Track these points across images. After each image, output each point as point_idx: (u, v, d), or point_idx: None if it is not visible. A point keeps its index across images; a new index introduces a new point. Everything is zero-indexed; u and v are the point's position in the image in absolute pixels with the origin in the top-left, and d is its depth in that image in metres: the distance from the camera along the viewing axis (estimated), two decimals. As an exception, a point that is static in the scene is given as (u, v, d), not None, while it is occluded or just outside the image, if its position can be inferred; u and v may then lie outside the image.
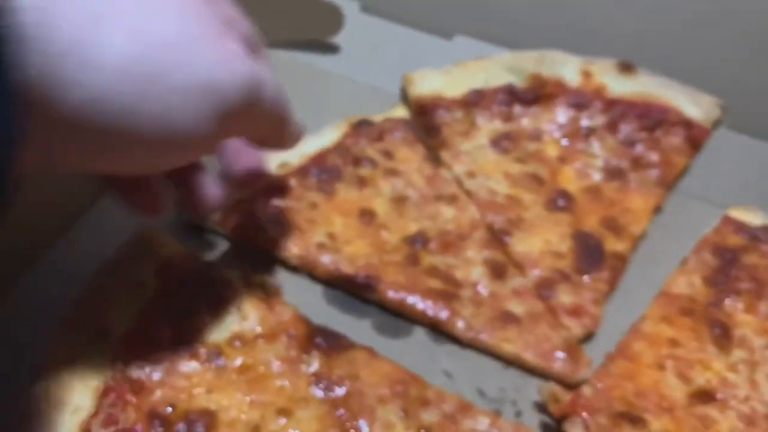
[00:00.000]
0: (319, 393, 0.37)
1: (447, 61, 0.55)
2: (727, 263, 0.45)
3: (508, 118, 0.52)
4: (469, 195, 0.48)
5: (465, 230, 0.46)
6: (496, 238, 0.46)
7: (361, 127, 0.51)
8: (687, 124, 0.52)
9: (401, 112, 0.53)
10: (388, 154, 0.50)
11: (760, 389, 0.39)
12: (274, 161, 0.48)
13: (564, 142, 0.51)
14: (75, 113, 0.24)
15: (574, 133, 0.52)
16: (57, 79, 0.23)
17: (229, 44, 0.28)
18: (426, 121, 0.52)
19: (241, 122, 0.29)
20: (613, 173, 0.50)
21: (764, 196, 0.50)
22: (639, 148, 0.51)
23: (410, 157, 0.50)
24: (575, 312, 0.42)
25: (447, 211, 0.47)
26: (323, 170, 0.48)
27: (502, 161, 0.50)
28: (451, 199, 0.48)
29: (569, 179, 0.49)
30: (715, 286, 0.44)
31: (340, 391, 0.37)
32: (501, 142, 0.51)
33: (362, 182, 0.48)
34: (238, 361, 0.38)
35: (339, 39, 0.58)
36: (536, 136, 0.51)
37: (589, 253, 0.45)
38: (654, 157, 0.50)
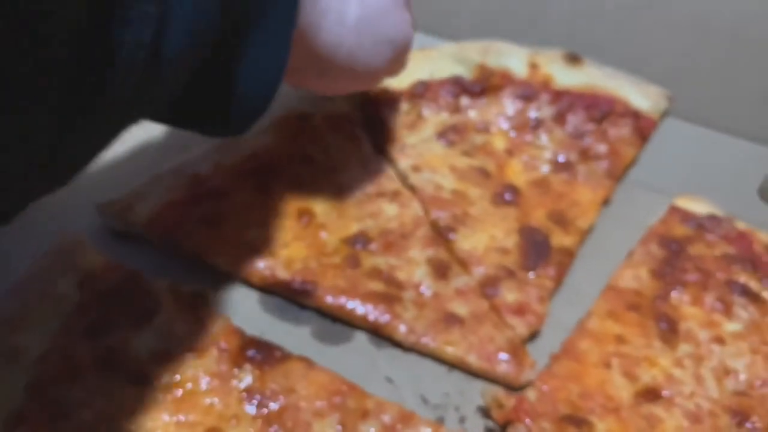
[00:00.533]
0: (251, 410, 0.35)
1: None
2: (674, 254, 0.45)
3: (455, 109, 0.51)
4: (414, 190, 0.47)
5: (408, 228, 0.45)
6: (441, 235, 0.44)
7: (299, 122, 0.49)
8: (635, 115, 0.51)
9: (342, 106, 0.51)
10: (327, 151, 0.48)
11: (705, 384, 0.38)
12: (209, 162, 0.46)
13: (512, 134, 0.50)
14: (320, 51, 0.36)
15: (522, 125, 0.50)
16: (316, 27, 0.35)
17: (405, 13, 0.40)
18: (370, 115, 0.50)
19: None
20: (561, 165, 0.49)
21: (710, 184, 0.50)
22: (587, 140, 0.50)
23: (351, 154, 0.48)
24: (520, 310, 0.41)
25: (389, 209, 0.46)
26: (259, 169, 0.46)
27: (448, 155, 0.49)
28: (394, 196, 0.46)
29: (516, 172, 0.48)
30: (661, 278, 0.43)
31: (274, 407, 0.35)
32: (448, 135, 0.49)
33: (300, 181, 0.46)
34: (164, 379, 0.35)
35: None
36: (483, 128, 0.50)
37: (535, 249, 0.44)
38: (602, 148, 0.49)
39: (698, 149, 0.52)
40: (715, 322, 0.41)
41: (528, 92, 0.51)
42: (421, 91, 0.51)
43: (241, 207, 0.44)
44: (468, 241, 0.44)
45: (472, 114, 0.51)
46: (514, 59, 0.53)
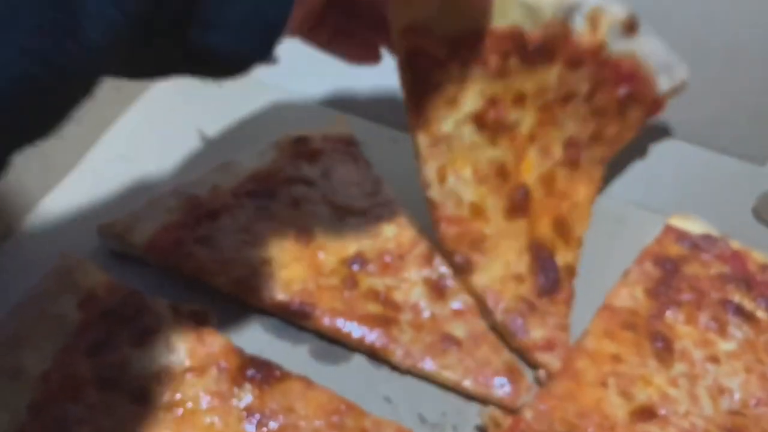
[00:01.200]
0: (251, 429, 0.35)
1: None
2: (669, 274, 0.45)
3: (501, 73, 0.45)
4: (434, 206, 0.44)
5: (405, 248, 0.45)
6: (458, 272, 0.44)
7: (298, 144, 0.50)
8: (654, 101, 0.49)
9: (341, 128, 0.52)
10: (326, 173, 0.48)
11: (700, 403, 0.38)
12: (208, 184, 0.46)
13: (543, 110, 0.47)
14: None
15: (556, 99, 0.47)
16: None
17: None
18: (412, 78, 0.43)
19: None
20: (570, 151, 0.47)
21: (705, 203, 0.50)
22: (603, 120, 0.48)
23: (350, 175, 0.49)
24: (549, 346, 0.40)
25: (387, 229, 0.46)
26: (258, 191, 0.46)
27: (475, 145, 0.45)
28: (392, 216, 0.47)
29: (530, 166, 0.46)
30: (656, 298, 0.44)
31: (273, 426, 0.36)
32: (485, 113, 0.45)
33: (299, 202, 0.46)
34: (165, 398, 0.36)
35: (278, 49, 0.55)
36: (521, 100, 0.46)
37: (543, 270, 0.43)
38: (611, 130, 0.48)
39: (693, 168, 0.53)
40: (709, 341, 0.41)
41: (576, 59, 0.47)
42: (473, 43, 0.44)
43: (239, 228, 0.44)
44: (485, 275, 0.43)
45: (517, 81, 0.46)
46: (580, 14, 0.46)
